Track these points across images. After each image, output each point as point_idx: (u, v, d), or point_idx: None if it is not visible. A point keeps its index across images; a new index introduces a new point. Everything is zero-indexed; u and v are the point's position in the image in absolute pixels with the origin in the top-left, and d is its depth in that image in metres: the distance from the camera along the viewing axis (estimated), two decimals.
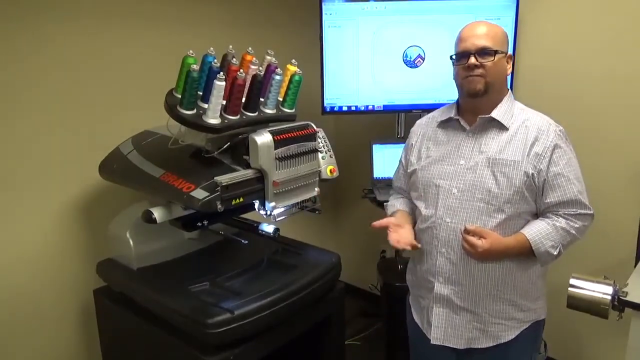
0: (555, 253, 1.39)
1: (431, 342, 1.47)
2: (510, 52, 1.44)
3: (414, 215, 1.58)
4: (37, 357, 1.78)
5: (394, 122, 2.42)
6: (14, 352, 1.72)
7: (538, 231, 1.38)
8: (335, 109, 2.31)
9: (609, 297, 1.37)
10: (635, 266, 1.68)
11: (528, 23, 2.18)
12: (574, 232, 1.40)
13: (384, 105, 2.30)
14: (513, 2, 2.14)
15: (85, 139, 1.81)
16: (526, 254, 1.39)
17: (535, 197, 1.40)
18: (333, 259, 1.75)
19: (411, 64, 2.25)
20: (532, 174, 1.36)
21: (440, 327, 1.46)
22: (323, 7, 2.20)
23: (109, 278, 1.73)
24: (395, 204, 1.64)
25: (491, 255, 1.37)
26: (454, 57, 1.44)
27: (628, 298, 1.36)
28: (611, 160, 2.06)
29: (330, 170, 1.62)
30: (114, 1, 1.85)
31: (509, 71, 1.44)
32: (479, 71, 1.37)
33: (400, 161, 1.65)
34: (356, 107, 2.31)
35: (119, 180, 1.67)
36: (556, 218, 1.40)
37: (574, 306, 1.43)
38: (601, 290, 1.39)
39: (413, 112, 2.29)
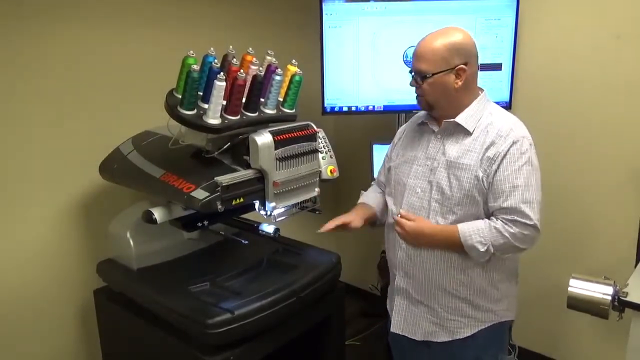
0: (482, 250, 1.37)
1: (390, 330, 1.54)
2: (461, 63, 1.38)
3: (384, 208, 1.64)
4: (37, 357, 1.78)
5: (394, 122, 2.42)
6: (14, 351, 1.72)
7: (470, 226, 1.40)
8: (335, 109, 2.31)
9: (609, 298, 1.37)
10: (635, 266, 1.68)
11: (528, 23, 2.18)
12: (507, 235, 1.36)
13: (384, 106, 2.30)
14: (513, 2, 2.13)
15: (85, 139, 1.81)
16: (457, 245, 1.40)
17: (485, 200, 1.41)
18: (333, 259, 1.75)
19: (411, 64, 2.24)
20: (482, 177, 1.38)
21: (400, 317, 1.53)
22: (323, 7, 2.20)
23: (109, 278, 1.73)
24: (366, 196, 1.72)
25: (420, 237, 1.44)
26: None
27: (628, 298, 1.36)
28: (611, 160, 2.06)
29: (331, 171, 1.63)
30: (114, 1, 1.85)
31: (459, 84, 1.40)
32: (419, 91, 1.45)
33: (386, 155, 1.71)
34: (356, 107, 2.31)
35: (119, 180, 1.67)
36: (495, 219, 1.40)
37: (574, 306, 1.43)
38: (601, 291, 1.39)
39: (413, 112, 2.27)
